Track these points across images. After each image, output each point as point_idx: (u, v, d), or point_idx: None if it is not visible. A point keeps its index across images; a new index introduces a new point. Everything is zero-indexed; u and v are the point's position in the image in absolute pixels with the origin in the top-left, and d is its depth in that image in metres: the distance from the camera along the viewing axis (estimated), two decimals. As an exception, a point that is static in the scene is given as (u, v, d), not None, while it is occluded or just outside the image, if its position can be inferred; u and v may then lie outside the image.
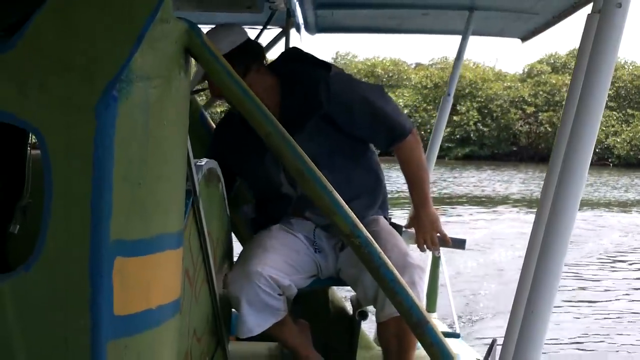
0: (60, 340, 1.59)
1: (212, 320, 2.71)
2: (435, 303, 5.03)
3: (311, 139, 3.01)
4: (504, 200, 23.05)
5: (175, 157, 1.80)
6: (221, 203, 2.84)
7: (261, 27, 4.19)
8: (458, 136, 42.40)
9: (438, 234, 3.30)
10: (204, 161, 2.42)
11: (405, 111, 39.63)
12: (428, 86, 43.24)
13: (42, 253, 1.57)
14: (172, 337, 1.84)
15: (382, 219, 3.27)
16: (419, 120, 40.74)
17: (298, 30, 4.75)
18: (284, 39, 4.60)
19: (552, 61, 45.49)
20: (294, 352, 3.19)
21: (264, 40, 4.30)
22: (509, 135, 42.80)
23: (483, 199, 23.35)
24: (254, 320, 2.92)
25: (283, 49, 4.57)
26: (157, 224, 1.71)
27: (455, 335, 4.49)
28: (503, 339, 2.71)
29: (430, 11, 4.56)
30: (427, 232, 3.28)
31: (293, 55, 3.32)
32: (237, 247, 3.43)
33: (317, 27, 4.91)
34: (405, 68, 45.28)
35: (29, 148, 1.98)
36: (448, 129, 40.74)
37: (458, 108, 42.02)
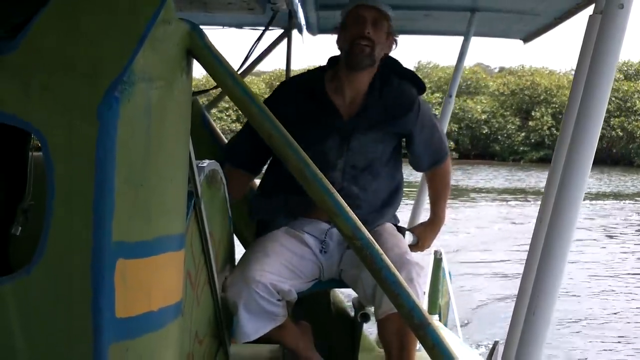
0: (62, 342, 1.59)
1: (214, 322, 2.70)
2: (437, 305, 5.02)
3: (377, 143, 3.21)
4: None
5: (177, 158, 1.79)
6: (223, 204, 2.83)
7: (263, 28, 4.19)
8: (533, 140, 44.20)
9: None
10: (205, 162, 2.41)
11: (483, 116, 43.70)
12: (505, 93, 45.28)
13: (44, 255, 1.57)
14: (174, 339, 1.84)
15: (387, 223, 3.33)
16: (496, 125, 43.88)
17: (300, 31, 4.75)
18: (285, 40, 4.61)
19: (624, 69, 46.41)
20: (295, 354, 3.18)
21: (265, 42, 4.31)
22: (582, 140, 44.12)
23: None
24: (251, 325, 2.88)
25: (285, 51, 4.59)
26: (159, 226, 1.70)
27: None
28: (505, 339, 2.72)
29: (432, 12, 4.55)
30: (431, 240, 3.66)
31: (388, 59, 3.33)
32: (239, 249, 3.42)
33: (319, 28, 4.91)
34: (484, 76, 47.40)
35: (30, 150, 1.98)
36: (523, 134, 44.32)
37: (533, 114, 44.08)
